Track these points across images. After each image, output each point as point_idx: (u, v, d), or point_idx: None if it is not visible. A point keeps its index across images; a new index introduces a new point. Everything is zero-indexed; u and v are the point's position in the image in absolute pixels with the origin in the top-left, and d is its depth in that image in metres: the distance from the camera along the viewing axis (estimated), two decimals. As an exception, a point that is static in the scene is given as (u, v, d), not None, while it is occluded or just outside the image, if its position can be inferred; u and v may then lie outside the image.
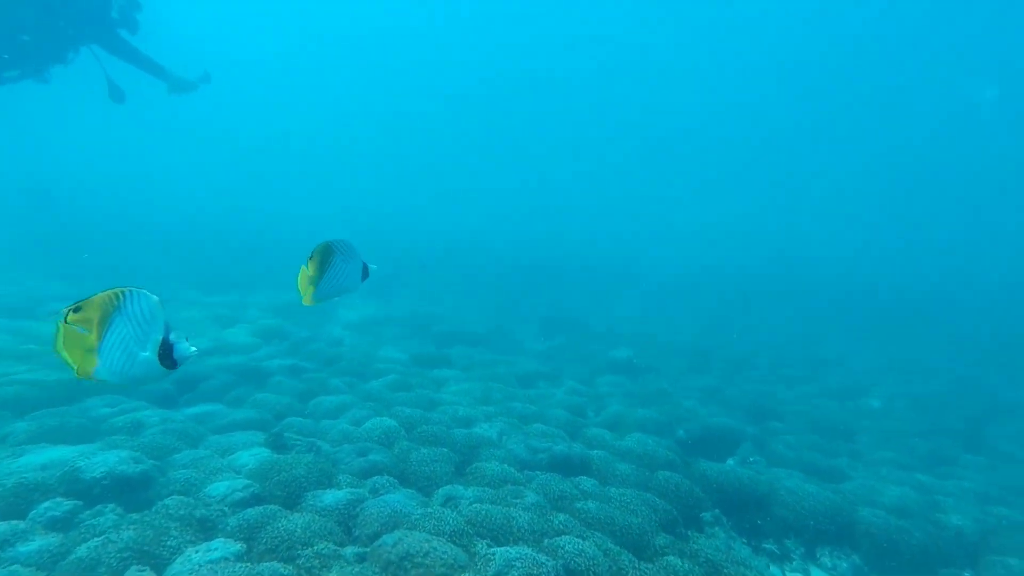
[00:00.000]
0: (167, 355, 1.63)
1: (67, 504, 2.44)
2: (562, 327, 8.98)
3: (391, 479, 3.13)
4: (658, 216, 33.06)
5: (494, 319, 8.79)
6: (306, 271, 2.28)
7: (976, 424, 5.71)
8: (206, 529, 2.39)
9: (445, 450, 3.68)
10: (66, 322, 1.55)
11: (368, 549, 2.40)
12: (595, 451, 4.00)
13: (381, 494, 2.89)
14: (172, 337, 1.65)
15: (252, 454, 2.92)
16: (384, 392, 4.64)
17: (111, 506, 2.47)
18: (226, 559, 2.15)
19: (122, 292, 1.58)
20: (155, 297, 1.62)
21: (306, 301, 2.32)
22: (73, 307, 1.55)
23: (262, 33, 38.30)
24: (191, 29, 34.30)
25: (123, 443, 2.90)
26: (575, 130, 38.09)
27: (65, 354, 1.58)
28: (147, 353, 1.61)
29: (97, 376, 1.59)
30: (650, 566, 2.58)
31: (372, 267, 2.43)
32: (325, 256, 2.27)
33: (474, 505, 2.96)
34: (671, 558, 2.70)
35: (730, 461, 4.56)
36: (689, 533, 3.29)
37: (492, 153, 40.63)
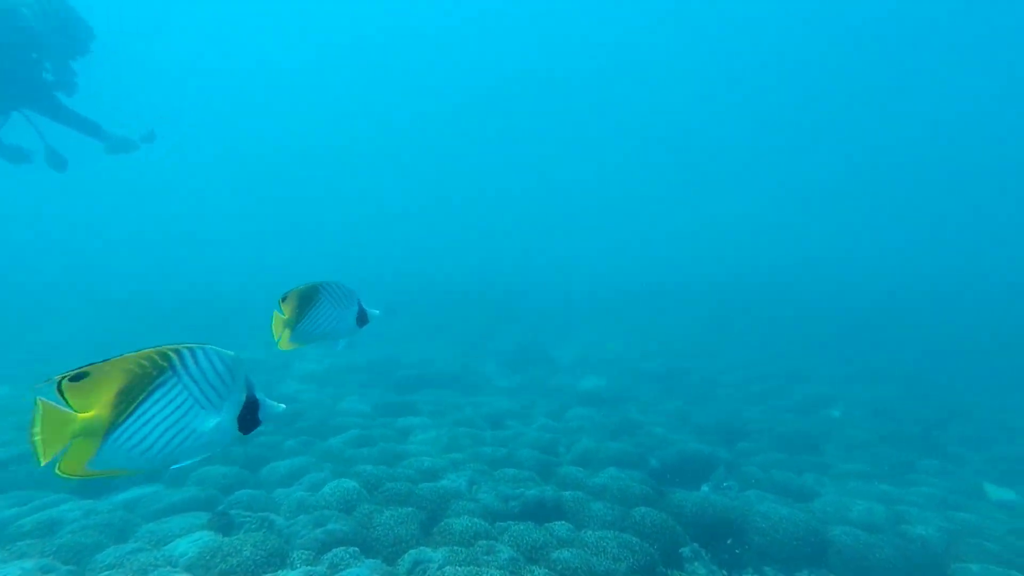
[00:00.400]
0: (250, 417, 1.38)
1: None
2: (532, 359, 8.89)
3: (352, 549, 2.92)
4: (632, 227, 33.48)
5: (462, 358, 8.63)
6: (279, 315, 2.14)
7: (930, 428, 5.89)
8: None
9: (410, 509, 3.49)
10: (59, 393, 1.20)
11: (326, 637, 2.20)
12: (568, 492, 3.88)
13: (340, 569, 2.68)
14: (260, 394, 1.41)
15: (192, 540, 2.66)
16: (345, 449, 4.41)
17: (9, 636, 2.16)
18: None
19: (175, 350, 1.31)
20: (230, 352, 1.38)
21: (282, 345, 2.15)
22: (73, 373, 1.20)
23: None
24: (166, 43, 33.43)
25: (31, 550, 2.56)
26: (543, 142, 38.40)
27: (40, 445, 1.18)
28: (218, 419, 1.34)
29: (96, 469, 1.24)
30: (630, 618, 2.45)
31: (373, 312, 2.30)
32: (306, 298, 2.14)
33: (445, 569, 2.79)
34: (651, 605, 2.58)
35: (704, 488, 4.51)
36: (670, 572, 3.18)
37: (459, 171, 40.67)
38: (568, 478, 4.16)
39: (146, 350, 1.29)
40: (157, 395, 1.28)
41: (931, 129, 29.31)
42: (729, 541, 3.53)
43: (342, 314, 2.22)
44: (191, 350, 1.33)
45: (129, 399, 1.25)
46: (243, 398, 1.39)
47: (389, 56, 36.71)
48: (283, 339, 2.15)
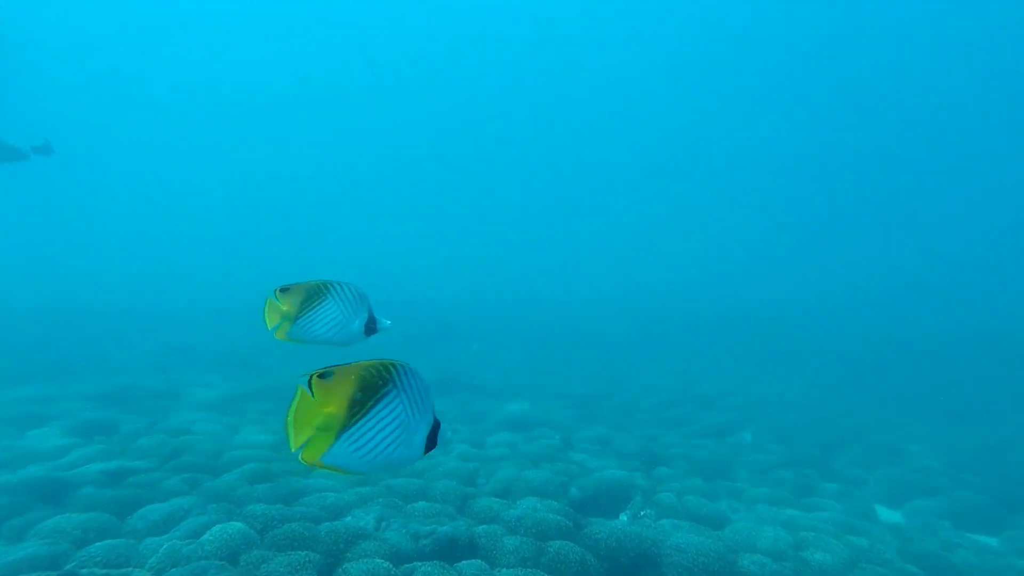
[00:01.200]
0: (432, 437, 1.49)
1: None
2: (457, 383, 8.64)
3: (230, 608, 2.56)
4: (549, 251, 33.78)
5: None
6: (275, 303, 2.03)
7: (829, 451, 6.26)
8: None
9: (306, 553, 3.15)
10: (309, 388, 1.36)
11: None
12: (482, 527, 3.68)
13: (211, 634, 2.32)
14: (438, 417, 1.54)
15: (21, 612, 2.21)
16: (238, 487, 3.96)
17: None
18: None
19: (394, 365, 1.43)
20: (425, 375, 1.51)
21: (279, 335, 2.07)
22: (321, 372, 1.37)
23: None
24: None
25: None
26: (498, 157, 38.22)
27: (292, 429, 1.37)
28: (417, 435, 1.46)
29: (327, 463, 1.39)
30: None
31: (385, 323, 2.15)
32: (312, 295, 2.02)
33: (336, 624, 2.49)
34: (561, 653, 2.43)
35: (623, 517, 4.47)
36: (582, 612, 3.05)
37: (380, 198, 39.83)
38: (485, 511, 3.97)
39: (371, 361, 1.42)
40: (383, 403, 1.41)
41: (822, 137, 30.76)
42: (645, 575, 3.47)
43: (348, 319, 2.09)
44: (405, 367, 1.45)
45: (361, 403, 1.39)
46: (431, 418, 1.49)
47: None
48: (280, 330, 2.07)
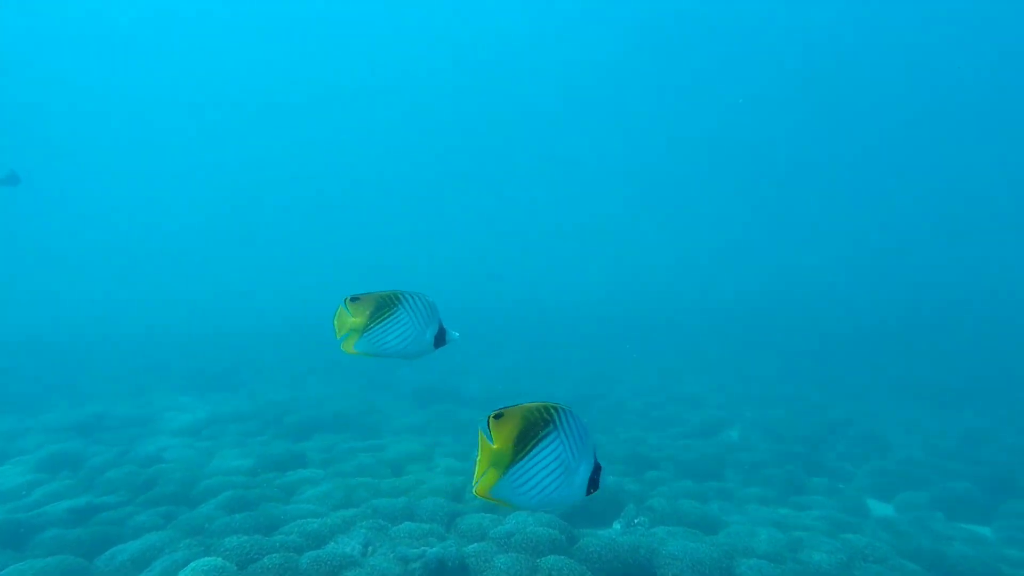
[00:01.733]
0: (593, 481, 1.56)
1: None
2: (439, 394, 8.48)
3: (205, 653, 2.40)
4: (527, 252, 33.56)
5: (362, 396, 8.05)
6: (346, 313, 1.98)
7: (814, 445, 6.25)
8: None
9: (289, 587, 3.00)
10: (488, 426, 1.50)
11: None
12: (471, 546, 3.56)
13: None
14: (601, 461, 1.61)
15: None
16: (215, 518, 3.78)
17: None
18: None
19: (555, 407, 1.53)
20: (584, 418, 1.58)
21: (345, 348, 2.03)
22: (496, 413, 1.50)
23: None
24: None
25: None
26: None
27: (480, 467, 1.50)
28: (577, 477, 1.55)
29: (494, 496, 1.50)
30: None
31: (454, 335, 2.11)
32: (383, 305, 1.97)
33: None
34: None
35: (616, 525, 4.38)
36: (579, 631, 2.95)
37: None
38: (474, 528, 3.85)
39: (535, 403, 1.52)
40: (544, 443, 1.49)
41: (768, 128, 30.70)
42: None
43: (420, 331, 2.03)
44: (566, 410, 1.54)
45: (524, 442, 1.49)
46: (592, 461, 1.56)
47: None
48: (348, 343, 2.02)
